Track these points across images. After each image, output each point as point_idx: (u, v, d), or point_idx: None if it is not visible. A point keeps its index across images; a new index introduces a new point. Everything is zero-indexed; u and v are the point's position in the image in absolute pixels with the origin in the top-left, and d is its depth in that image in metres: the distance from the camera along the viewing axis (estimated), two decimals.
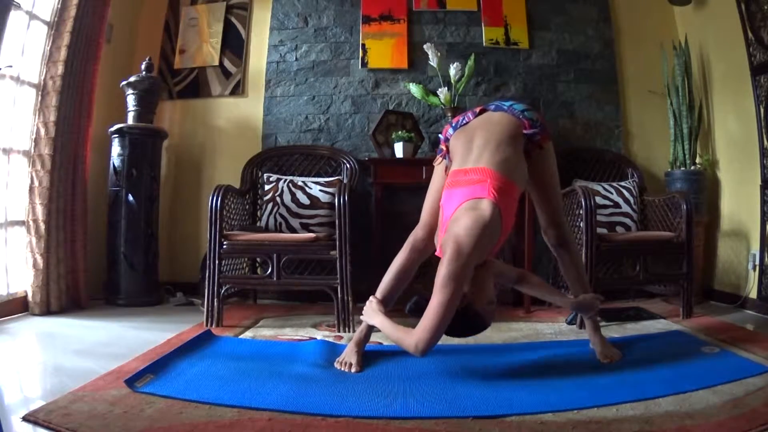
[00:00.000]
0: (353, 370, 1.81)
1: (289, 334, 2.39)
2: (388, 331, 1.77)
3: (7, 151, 2.69)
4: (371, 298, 1.94)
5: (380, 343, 2.16)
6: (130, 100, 3.13)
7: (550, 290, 2.09)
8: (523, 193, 1.96)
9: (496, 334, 2.38)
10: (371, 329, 1.96)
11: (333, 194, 2.88)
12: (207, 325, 2.44)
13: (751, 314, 2.79)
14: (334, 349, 2.06)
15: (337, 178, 3.14)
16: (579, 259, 2.11)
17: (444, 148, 2.01)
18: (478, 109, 2.00)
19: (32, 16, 2.73)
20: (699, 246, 3.02)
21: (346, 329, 2.42)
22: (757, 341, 2.12)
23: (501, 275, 1.91)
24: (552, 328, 2.50)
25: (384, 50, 3.43)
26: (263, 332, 2.42)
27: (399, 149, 3.10)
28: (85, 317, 2.67)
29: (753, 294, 2.86)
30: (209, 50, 3.53)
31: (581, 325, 2.38)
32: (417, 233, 1.98)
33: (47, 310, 2.66)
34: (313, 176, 3.17)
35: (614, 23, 3.54)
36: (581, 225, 2.57)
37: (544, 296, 2.28)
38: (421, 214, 2.03)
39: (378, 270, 2.10)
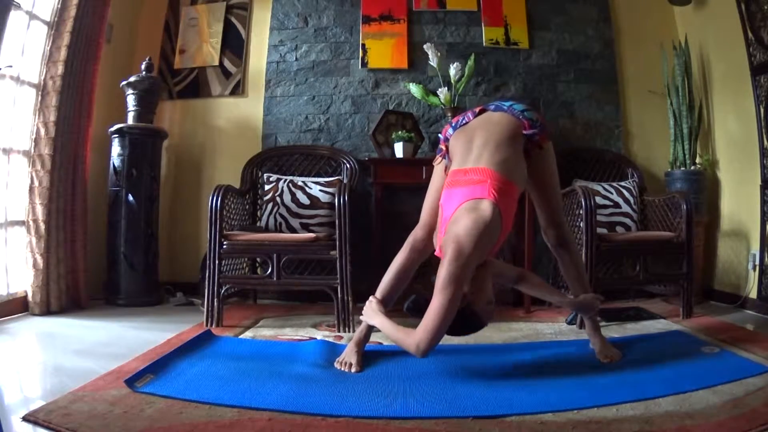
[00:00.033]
0: (353, 370, 1.81)
1: (289, 334, 2.39)
2: (388, 332, 1.77)
3: (7, 151, 2.69)
4: (371, 298, 1.94)
5: (380, 343, 2.16)
6: (130, 100, 3.13)
7: (549, 290, 2.09)
8: (523, 193, 1.96)
9: (496, 334, 2.39)
10: (371, 329, 1.96)
11: (333, 194, 2.88)
12: (207, 325, 2.44)
13: (751, 314, 2.79)
14: (334, 349, 2.06)
15: (337, 178, 3.14)
16: (579, 259, 2.11)
17: (444, 148, 2.02)
18: (477, 109, 2.00)
19: (32, 16, 2.73)
20: (699, 246, 3.02)
21: (346, 329, 2.42)
22: (757, 341, 2.12)
23: (501, 275, 1.91)
24: (552, 328, 2.50)
25: (384, 50, 3.43)
26: (263, 332, 2.42)
27: (399, 149, 3.10)
28: (85, 317, 2.67)
29: (753, 294, 2.86)
30: (209, 50, 3.53)
31: (581, 325, 2.38)
32: (417, 233, 1.98)
33: (47, 310, 2.66)
34: (313, 176, 3.17)
35: (614, 23, 3.54)
36: (581, 225, 2.57)
37: (544, 296, 2.28)
38: (420, 214, 2.03)
39: (378, 270, 2.10)
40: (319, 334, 2.38)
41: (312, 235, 2.57)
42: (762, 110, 2.82)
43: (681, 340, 2.22)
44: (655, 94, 3.42)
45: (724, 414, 1.39)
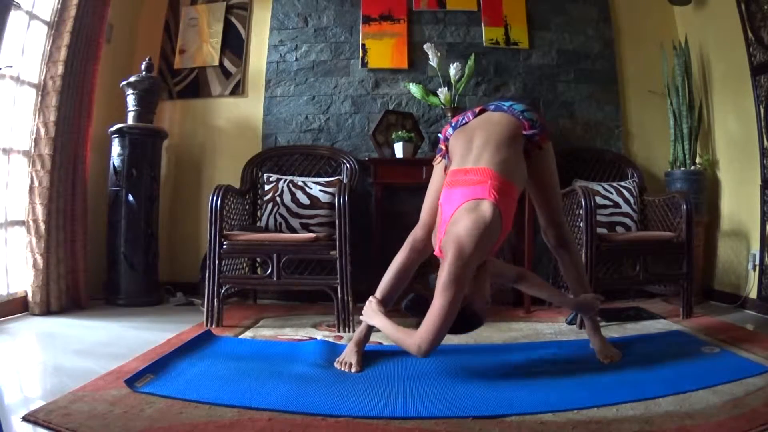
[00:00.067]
0: (353, 370, 1.81)
1: (289, 334, 2.39)
2: (389, 333, 1.77)
3: (7, 151, 2.69)
4: (371, 298, 1.94)
5: (380, 343, 2.16)
6: (130, 100, 3.13)
7: (549, 290, 2.09)
8: (523, 193, 1.96)
9: (496, 334, 2.39)
10: (371, 329, 1.96)
11: (333, 194, 2.88)
12: (207, 325, 2.44)
13: (751, 314, 2.79)
14: (334, 349, 2.06)
15: (337, 178, 3.14)
16: (579, 260, 2.11)
17: (443, 148, 2.01)
18: (477, 109, 2.00)
19: (32, 16, 2.73)
20: (699, 246, 3.02)
21: (346, 329, 2.42)
22: (757, 341, 2.13)
23: (501, 275, 1.91)
24: (552, 328, 2.50)
25: (384, 50, 3.43)
26: (263, 332, 2.42)
27: (399, 149, 3.10)
28: (85, 317, 2.67)
29: (753, 294, 2.86)
30: (209, 50, 3.53)
31: (581, 325, 2.38)
32: (416, 233, 1.98)
33: (47, 310, 2.66)
34: (313, 176, 3.17)
35: (614, 23, 3.54)
36: (581, 225, 2.57)
37: (544, 296, 2.29)
38: (420, 214, 2.03)
39: (378, 270, 2.10)
40: (319, 334, 2.38)
41: (312, 235, 2.57)
42: (762, 110, 2.82)
43: (681, 340, 2.22)
44: (655, 94, 3.42)
45: (724, 414, 1.39)
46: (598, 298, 2.03)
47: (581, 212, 2.57)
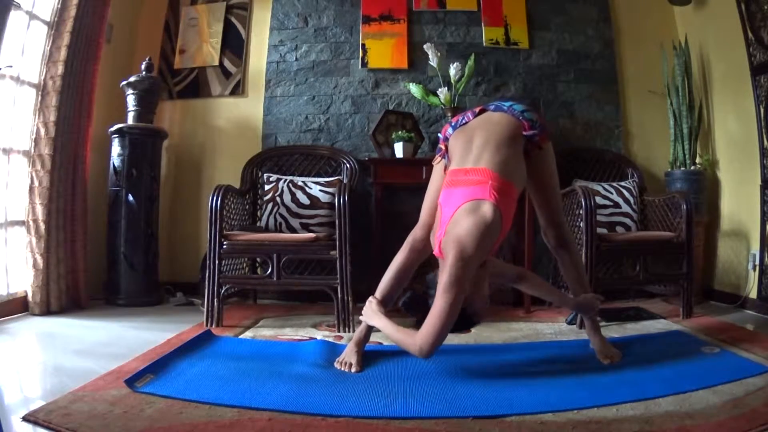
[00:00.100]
0: (353, 370, 1.81)
1: (289, 334, 2.39)
2: (389, 333, 1.77)
3: (7, 151, 2.69)
4: (371, 298, 1.94)
5: (380, 343, 2.16)
6: (130, 100, 3.13)
7: (549, 290, 2.09)
8: (522, 193, 1.96)
9: (496, 334, 2.39)
10: (371, 329, 1.96)
11: (333, 194, 2.88)
12: (207, 325, 2.44)
13: (751, 314, 2.79)
14: (334, 349, 2.06)
15: (337, 178, 3.14)
16: (579, 260, 2.11)
17: (443, 148, 2.01)
18: (477, 109, 2.00)
19: (32, 16, 2.73)
20: (699, 246, 3.02)
21: (346, 329, 2.42)
22: (757, 341, 2.13)
23: (501, 274, 1.91)
24: (552, 328, 2.50)
25: (384, 50, 3.43)
26: (263, 332, 2.42)
27: (399, 149, 3.10)
28: (85, 317, 2.67)
29: (753, 294, 2.86)
30: (209, 50, 3.53)
31: (581, 325, 2.38)
32: (416, 233, 1.98)
33: (47, 310, 2.66)
34: (313, 176, 3.17)
35: (614, 23, 3.54)
36: (581, 225, 2.57)
37: (544, 295, 2.29)
38: (420, 214, 2.03)
39: (378, 270, 2.10)
40: (319, 334, 2.38)
41: (312, 235, 2.57)
42: (762, 110, 2.82)
43: (681, 340, 2.22)
44: (655, 94, 3.42)
45: (724, 414, 1.39)
46: (598, 298, 2.03)
47: (581, 212, 2.57)
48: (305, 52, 3.49)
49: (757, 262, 2.83)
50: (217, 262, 2.47)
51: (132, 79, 3.11)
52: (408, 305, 1.74)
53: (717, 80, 3.26)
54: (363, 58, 3.43)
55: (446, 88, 3.17)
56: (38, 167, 2.70)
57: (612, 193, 3.03)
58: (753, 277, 2.87)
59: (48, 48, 2.77)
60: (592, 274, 2.48)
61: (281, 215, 2.92)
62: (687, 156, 3.21)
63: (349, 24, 3.49)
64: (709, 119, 3.32)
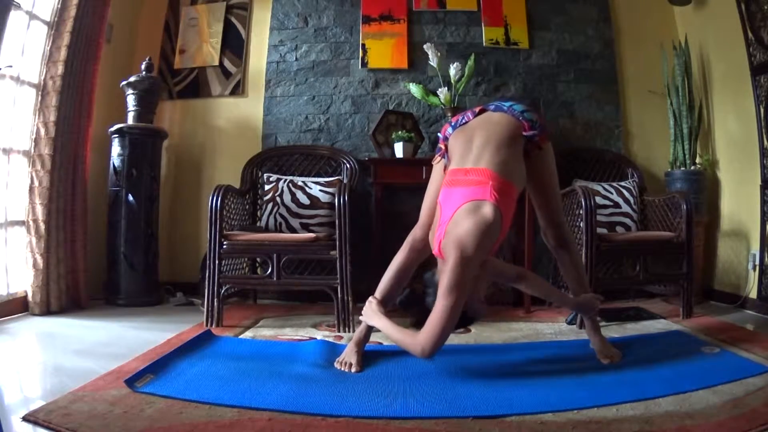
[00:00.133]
0: (353, 370, 1.81)
1: (289, 334, 2.39)
2: (390, 334, 1.77)
3: (7, 151, 2.69)
4: (371, 298, 1.94)
5: (380, 343, 2.16)
6: (130, 100, 3.13)
7: (549, 289, 2.09)
8: (522, 193, 1.96)
9: (496, 334, 2.39)
10: (371, 329, 1.96)
11: (333, 194, 2.88)
12: (207, 325, 2.44)
13: (751, 314, 2.79)
14: (334, 349, 2.06)
15: (337, 178, 3.14)
16: (579, 260, 2.10)
17: (443, 147, 2.01)
18: (477, 109, 2.00)
19: (32, 16, 2.73)
20: (699, 246, 3.02)
21: (346, 329, 2.42)
22: (757, 341, 2.13)
23: (500, 274, 1.91)
24: (552, 328, 2.50)
25: (384, 50, 3.43)
26: (263, 332, 2.42)
27: (399, 149, 3.10)
28: (85, 317, 2.67)
29: (753, 294, 2.86)
30: (209, 50, 3.53)
31: (581, 325, 2.38)
32: (416, 233, 1.98)
33: (47, 310, 2.66)
34: (313, 176, 3.17)
35: (614, 23, 3.54)
36: (581, 225, 2.57)
37: (544, 295, 2.29)
38: (420, 213, 2.03)
39: (378, 270, 2.10)
40: (319, 334, 2.38)
41: (312, 235, 2.57)
42: (762, 110, 2.82)
43: (681, 340, 2.22)
44: (655, 94, 3.42)
45: (724, 414, 1.39)
46: (598, 298, 2.03)
47: (581, 212, 2.57)
48: (305, 52, 3.49)
49: (757, 262, 2.83)
50: (217, 262, 2.47)
51: (132, 79, 3.11)
52: (405, 303, 1.74)
53: (717, 80, 3.26)
54: (363, 58, 3.43)
55: (446, 88, 3.17)
56: (38, 167, 2.70)
57: (612, 193, 3.03)
58: (753, 277, 2.87)
59: (48, 48, 2.77)
60: (592, 274, 2.48)
61: (281, 215, 2.92)
62: (687, 156, 3.21)
63: (349, 24, 3.49)
64: (709, 119, 3.32)
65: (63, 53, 2.72)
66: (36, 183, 2.69)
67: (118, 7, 3.21)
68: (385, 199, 3.11)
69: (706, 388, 1.57)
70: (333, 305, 2.45)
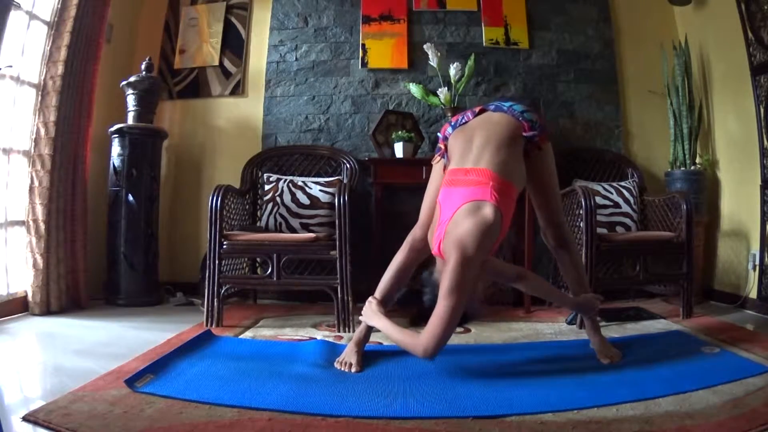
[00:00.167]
0: (353, 370, 1.81)
1: (289, 334, 2.39)
2: (390, 334, 1.77)
3: (7, 151, 2.69)
4: (370, 299, 1.94)
5: (380, 343, 2.16)
6: (130, 100, 3.13)
7: (549, 289, 2.09)
8: (522, 193, 1.96)
9: (496, 334, 2.39)
10: (371, 329, 1.96)
11: (333, 194, 2.88)
12: (207, 325, 2.44)
13: (751, 314, 2.79)
14: (334, 349, 2.06)
15: (337, 178, 3.14)
16: (579, 260, 2.10)
17: (442, 147, 2.01)
18: (477, 109, 2.00)
19: (32, 16, 2.73)
20: (699, 246, 3.02)
21: (346, 329, 2.42)
22: (757, 341, 2.13)
23: (500, 274, 1.91)
24: (552, 328, 2.50)
25: (384, 50, 3.43)
26: (263, 332, 2.42)
27: (399, 149, 3.10)
28: (85, 317, 2.67)
29: (753, 294, 2.86)
30: (209, 50, 3.53)
31: (581, 325, 2.38)
32: (415, 233, 1.98)
33: (47, 310, 2.66)
34: (313, 176, 3.17)
35: (614, 23, 3.54)
36: (581, 225, 2.57)
37: (544, 295, 2.29)
38: (419, 213, 2.03)
39: (378, 270, 2.09)
40: (319, 334, 2.38)
41: (312, 235, 2.57)
42: (762, 110, 2.82)
43: (681, 340, 2.22)
44: (655, 94, 3.42)
45: (724, 414, 1.39)
46: (598, 298, 2.03)
47: (581, 212, 2.57)
48: (305, 52, 3.49)
49: (757, 262, 2.83)
50: (217, 262, 2.47)
51: (132, 79, 3.11)
52: (402, 301, 1.74)
53: (717, 80, 3.26)
54: (363, 58, 3.43)
55: (446, 88, 3.17)
56: (38, 167, 2.70)
57: (612, 193, 3.03)
58: (753, 277, 2.87)
59: (48, 48, 2.77)
60: (592, 274, 2.48)
61: (281, 215, 2.92)
62: (687, 156, 3.21)
63: (349, 24, 3.49)
64: (709, 119, 3.32)
65: (63, 53, 2.72)
66: (36, 183, 2.69)
67: (118, 7, 3.21)
68: (385, 199, 3.11)
69: (706, 388, 1.57)
70: (333, 305, 2.45)
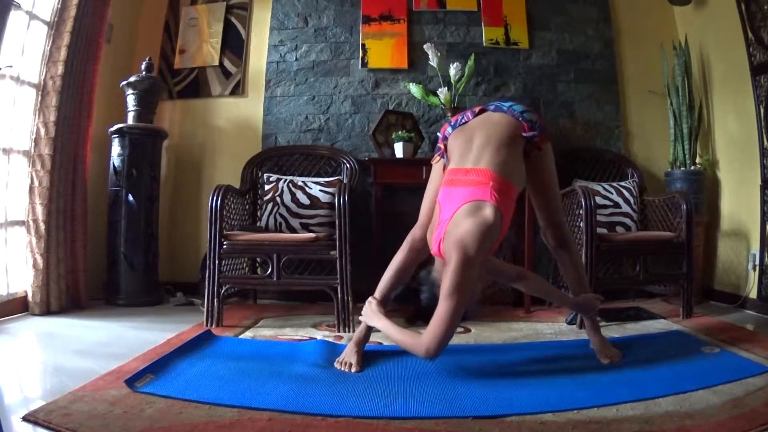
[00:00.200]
0: (353, 370, 1.82)
1: (289, 334, 2.39)
2: (391, 334, 1.78)
3: (7, 151, 2.69)
4: (370, 299, 1.94)
5: (380, 343, 2.16)
6: (130, 100, 3.13)
7: (549, 289, 2.09)
8: (522, 193, 1.96)
9: (496, 334, 2.39)
10: (371, 329, 1.96)
11: (333, 194, 2.88)
12: (207, 325, 2.44)
13: (751, 314, 2.79)
14: (334, 349, 2.06)
15: (337, 178, 3.14)
16: (579, 260, 2.10)
17: (442, 147, 2.01)
18: (477, 109, 2.00)
19: (32, 16, 2.73)
20: (699, 246, 3.02)
21: (346, 329, 2.42)
22: (757, 341, 2.13)
23: (500, 274, 1.91)
24: (552, 328, 2.50)
25: (384, 50, 3.43)
26: (263, 332, 2.42)
27: (399, 149, 3.10)
28: (85, 317, 2.67)
29: (753, 294, 2.86)
30: (209, 50, 3.53)
31: (581, 325, 2.38)
32: (415, 232, 1.98)
33: (47, 310, 2.66)
34: (313, 176, 3.17)
35: (614, 23, 3.54)
36: (581, 225, 2.57)
37: (543, 295, 2.29)
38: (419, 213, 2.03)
39: (378, 270, 2.09)
40: (319, 334, 2.38)
41: (312, 235, 2.57)
42: (762, 110, 2.82)
43: (681, 340, 2.22)
44: (655, 94, 3.42)
45: (724, 414, 1.39)
46: (598, 298, 2.03)
47: (581, 212, 2.57)
48: (305, 52, 3.49)
49: (757, 262, 2.83)
50: (217, 262, 2.47)
51: (132, 79, 3.11)
52: (399, 299, 1.75)
53: (717, 80, 3.26)
54: (363, 58, 3.43)
55: (446, 88, 3.17)
56: (38, 167, 2.70)
57: (612, 193, 3.03)
58: (753, 277, 2.87)
59: (48, 48, 2.77)
60: (592, 274, 2.48)
61: (281, 215, 2.92)
62: (687, 156, 3.21)
63: (349, 24, 3.49)
64: (709, 119, 3.32)
65: (63, 53, 2.72)
66: (36, 183, 2.69)
67: (118, 7, 3.21)
68: (385, 199, 3.11)
69: (706, 388, 1.57)
70: (333, 305, 2.45)
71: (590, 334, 2.03)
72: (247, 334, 2.37)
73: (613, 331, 2.39)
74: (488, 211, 1.64)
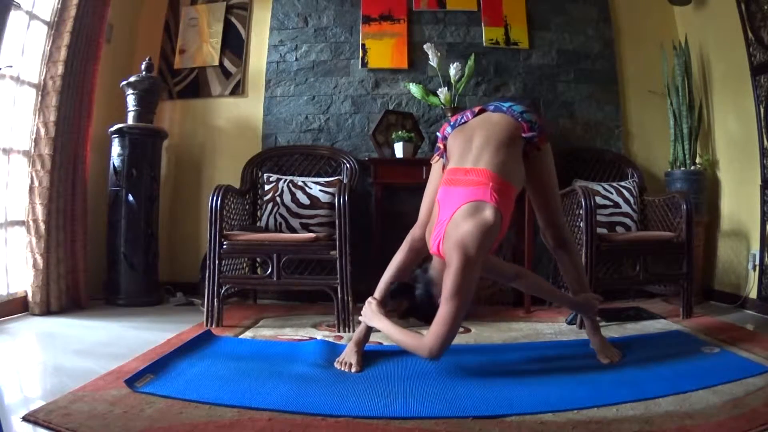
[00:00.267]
0: (353, 370, 1.82)
1: (289, 334, 2.39)
2: (391, 334, 1.78)
3: (7, 151, 2.69)
4: (370, 299, 1.94)
5: (380, 343, 2.16)
6: (130, 100, 3.13)
7: (549, 289, 2.09)
8: (522, 193, 1.96)
9: (496, 334, 2.39)
10: (371, 329, 1.96)
11: (333, 194, 2.88)
12: (207, 325, 2.44)
13: (751, 314, 2.79)
14: (334, 349, 2.06)
15: (337, 178, 3.14)
16: (579, 260, 2.10)
17: (441, 146, 2.01)
18: (476, 109, 2.00)
19: (32, 16, 2.73)
20: (699, 246, 3.02)
21: (346, 329, 2.42)
22: (757, 341, 2.13)
23: (500, 273, 1.91)
24: (552, 328, 2.50)
25: (384, 50, 3.43)
26: (263, 332, 2.42)
27: (399, 149, 3.10)
28: (85, 317, 2.67)
29: (753, 294, 2.86)
30: (209, 50, 3.53)
31: (581, 325, 2.38)
32: (415, 232, 1.98)
33: (47, 310, 2.66)
34: (313, 176, 3.17)
35: (614, 23, 3.54)
36: (581, 225, 2.57)
37: (543, 295, 2.29)
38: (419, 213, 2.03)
39: (378, 270, 2.10)
40: (319, 334, 2.38)
41: (312, 235, 2.57)
42: (762, 110, 2.82)
43: (681, 340, 2.22)
44: (655, 94, 3.42)
45: (724, 414, 1.39)
46: (597, 298, 2.03)
47: (581, 212, 2.57)
48: (305, 52, 3.49)
49: (757, 262, 2.83)
50: (217, 262, 2.47)
51: (132, 79, 3.11)
52: (395, 294, 1.75)
53: (717, 80, 3.26)
54: (363, 58, 3.43)
55: (446, 88, 3.17)
56: (38, 167, 2.70)
57: (612, 193, 3.03)
58: (753, 277, 2.87)
59: (48, 48, 2.77)
60: (592, 274, 2.48)
61: (281, 215, 2.92)
62: (687, 156, 3.21)
63: (349, 24, 3.49)
64: (709, 119, 3.32)
65: (63, 53, 2.72)
66: (36, 183, 2.69)
67: (118, 7, 3.21)
68: (385, 199, 3.11)
69: (706, 388, 1.57)
70: (333, 305, 2.45)
71: (590, 334, 2.03)
72: (247, 334, 2.37)
73: (613, 331, 2.39)
74: (488, 212, 1.64)
